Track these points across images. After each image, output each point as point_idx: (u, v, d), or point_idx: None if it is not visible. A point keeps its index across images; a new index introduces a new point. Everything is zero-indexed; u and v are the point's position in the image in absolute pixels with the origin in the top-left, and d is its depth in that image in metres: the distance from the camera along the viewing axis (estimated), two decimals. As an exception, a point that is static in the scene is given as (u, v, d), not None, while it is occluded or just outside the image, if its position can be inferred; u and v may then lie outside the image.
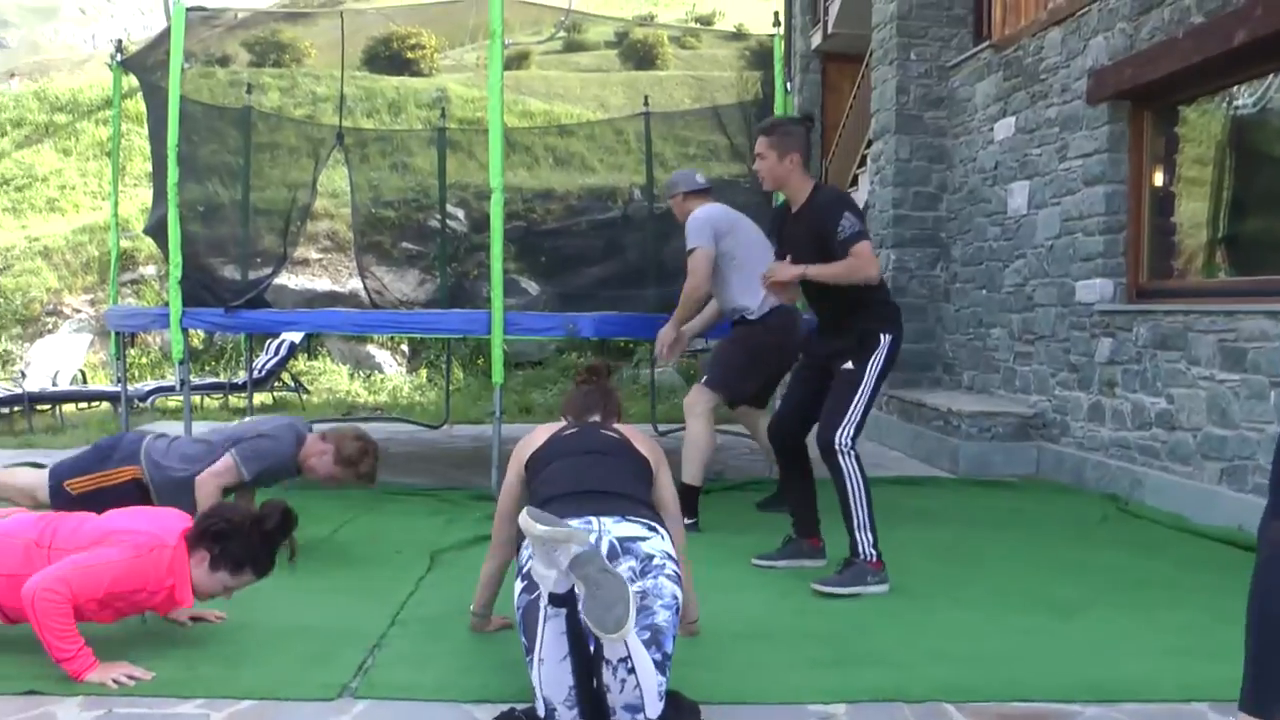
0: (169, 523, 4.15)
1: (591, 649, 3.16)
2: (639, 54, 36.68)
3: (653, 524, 3.65)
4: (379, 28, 26.86)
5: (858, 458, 5.14)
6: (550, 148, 17.80)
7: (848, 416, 5.15)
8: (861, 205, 13.22)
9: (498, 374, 7.29)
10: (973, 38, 10.80)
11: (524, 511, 3.26)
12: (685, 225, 6.82)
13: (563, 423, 4.31)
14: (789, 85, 9.31)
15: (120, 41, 10.32)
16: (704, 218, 6.77)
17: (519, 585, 3.54)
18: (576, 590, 3.13)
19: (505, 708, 3.42)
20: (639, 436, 4.16)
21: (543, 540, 3.15)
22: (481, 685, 3.74)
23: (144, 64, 9.99)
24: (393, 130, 17.51)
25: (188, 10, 8.28)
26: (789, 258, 5.35)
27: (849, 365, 5.24)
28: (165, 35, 9.16)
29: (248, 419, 7.08)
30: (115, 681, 3.75)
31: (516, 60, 33.20)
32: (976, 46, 10.49)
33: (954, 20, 10.92)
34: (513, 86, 8.58)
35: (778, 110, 8.73)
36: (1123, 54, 8.00)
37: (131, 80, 10.09)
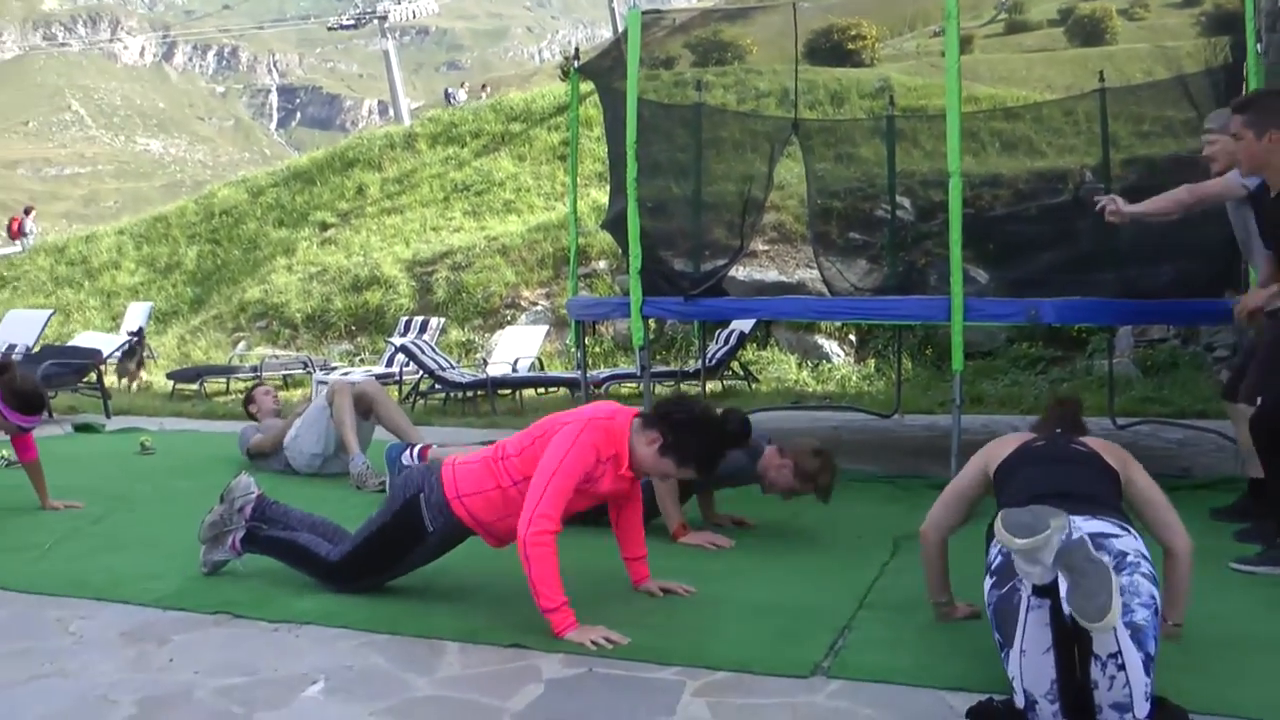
0: (603, 405, 4.46)
1: (1078, 645, 3.05)
2: (1085, 30, 35.29)
3: (1124, 524, 3.55)
4: (818, 20, 27.10)
5: None
6: (996, 132, 17.41)
7: None
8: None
9: (958, 361, 7.15)
10: None
11: (998, 524, 3.18)
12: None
13: (1032, 435, 4.23)
14: (1259, 46, 8.66)
15: (577, 49, 10.81)
16: None
17: (988, 581, 3.52)
18: (1060, 580, 3.03)
19: (983, 697, 3.34)
20: (1106, 447, 4.03)
21: (1024, 552, 3.07)
22: (956, 673, 3.68)
23: (598, 69, 10.41)
24: (842, 120, 17.57)
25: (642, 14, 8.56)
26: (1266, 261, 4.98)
27: None
28: (616, 43, 9.53)
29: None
30: (593, 643, 3.95)
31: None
32: None
33: None
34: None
35: (1251, 77, 8.14)
36: None
37: (583, 86, 10.51)
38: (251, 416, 9.08)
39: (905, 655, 3.89)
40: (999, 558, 3.47)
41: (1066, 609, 2.99)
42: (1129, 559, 3.38)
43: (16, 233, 32.82)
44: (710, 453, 4.34)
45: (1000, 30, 38.04)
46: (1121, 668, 3.00)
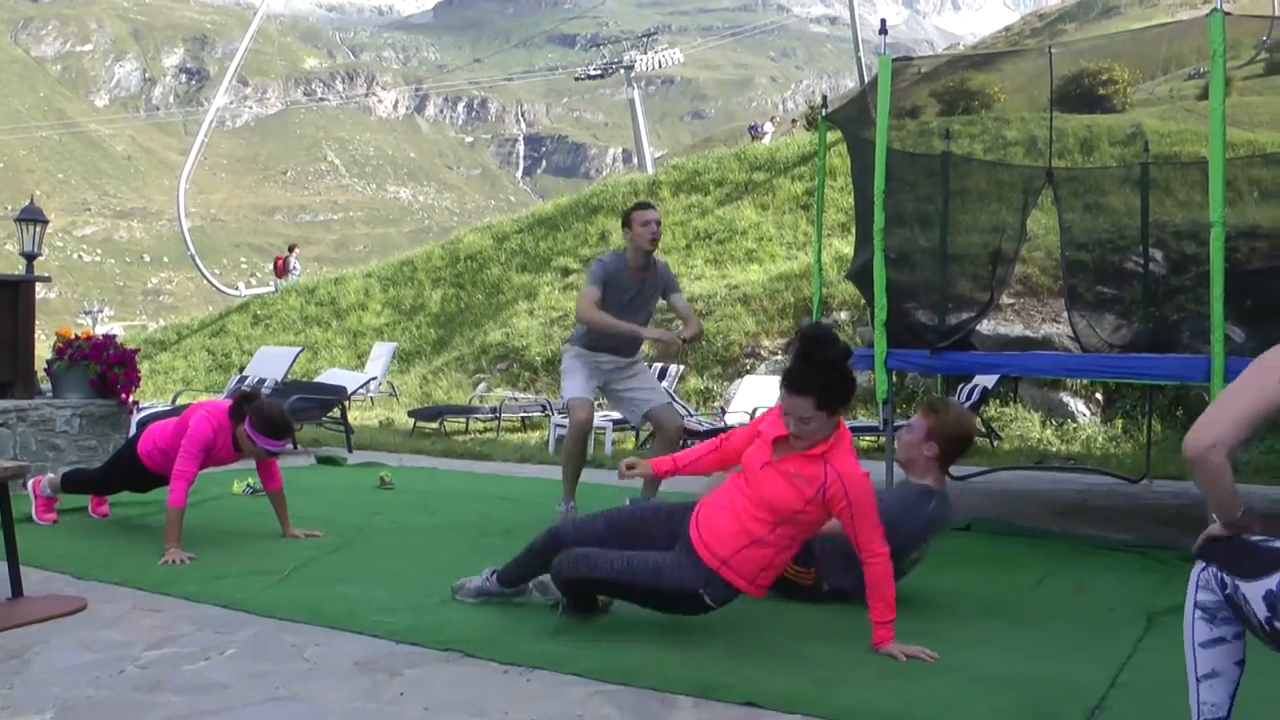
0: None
1: None
2: (1358, 72, 33.52)
3: None
4: (1069, 65, 26.30)
5: None
6: (1254, 181, 16.63)
7: None
8: None
9: (1221, 425, 6.76)
10: None
11: None
12: None
13: None
14: None
15: (825, 98, 10.74)
16: None
17: None
18: None
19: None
20: None
21: None
22: (1223, 762, 3.39)
23: (846, 118, 10.31)
24: (1093, 169, 17.03)
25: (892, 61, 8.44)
26: None
27: None
28: (864, 91, 9.42)
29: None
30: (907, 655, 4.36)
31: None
32: None
33: None
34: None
35: None
36: None
37: (829, 135, 10.39)
38: None
39: (1166, 741, 3.61)
40: None
41: None
42: None
43: (282, 270, 34.14)
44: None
45: (1260, 71, 36.36)
46: None
